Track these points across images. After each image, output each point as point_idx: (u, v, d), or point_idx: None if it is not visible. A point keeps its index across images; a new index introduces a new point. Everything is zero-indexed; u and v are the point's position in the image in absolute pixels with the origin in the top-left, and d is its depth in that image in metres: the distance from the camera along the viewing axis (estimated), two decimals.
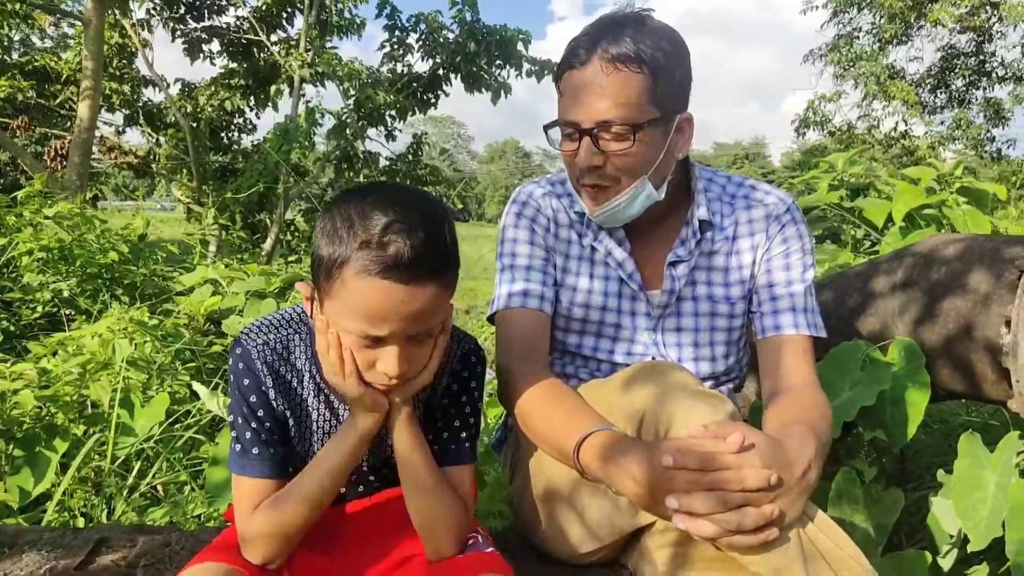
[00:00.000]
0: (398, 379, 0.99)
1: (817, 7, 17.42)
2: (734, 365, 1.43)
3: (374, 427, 1.05)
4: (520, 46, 8.71)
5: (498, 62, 8.80)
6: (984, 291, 1.46)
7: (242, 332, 1.09)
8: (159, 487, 1.87)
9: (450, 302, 1.01)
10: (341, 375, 1.00)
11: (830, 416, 1.19)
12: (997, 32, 16.17)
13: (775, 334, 1.32)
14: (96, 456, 1.84)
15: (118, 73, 9.47)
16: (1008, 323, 1.38)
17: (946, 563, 1.42)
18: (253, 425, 1.06)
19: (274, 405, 1.07)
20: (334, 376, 1.01)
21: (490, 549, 1.10)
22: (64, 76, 9.46)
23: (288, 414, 1.09)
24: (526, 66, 8.80)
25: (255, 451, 1.05)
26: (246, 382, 1.06)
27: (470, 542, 1.11)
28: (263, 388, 1.06)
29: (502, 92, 8.93)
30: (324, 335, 0.99)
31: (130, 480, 1.80)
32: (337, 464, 1.05)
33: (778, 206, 1.37)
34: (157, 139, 9.90)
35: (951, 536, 1.41)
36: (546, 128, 1.30)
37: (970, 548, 1.26)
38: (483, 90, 8.95)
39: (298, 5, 9.23)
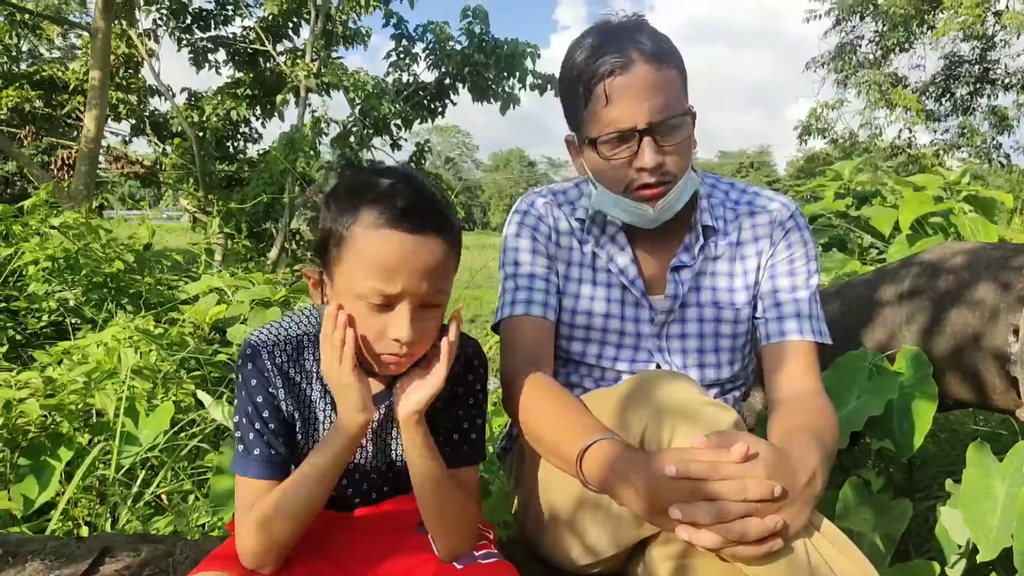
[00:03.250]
0: (408, 348, 0.99)
1: (820, 15, 17.47)
2: (739, 372, 1.42)
3: (359, 431, 1.02)
4: (528, 61, 8.77)
5: (504, 74, 8.85)
6: (992, 300, 1.45)
7: (253, 333, 1.09)
8: (163, 496, 1.87)
9: (453, 277, 1.03)
10: (338, 358, 0.99)
11: (836, 423, 1.18)
12: (1000, 40, 16.16)
13: (779, 340, 1.32)
14: (101, 465, 1.84)
15: (125, 83, 9.55)
16: (1016, 332, 1.37)
17: (955, 573, 1.40)
18: (257, 426, 1.06)
19: (282, 407, 1.08)
20: (330, 362, 1.00)
21: (500, 559, 1.09)
22: (71, 86, 9.55)
23: (296, 415, 1.10)
24: (531, 80, 8.85)
25: (256, 451, 1.05)
26: (253, 382, 1.06)
27: (482, 551, 1.10)
28: (271, 389, 1.07)
29: (511, 103, 9.00)
30: (332, 319, 0.99)
31: (134, 489, 1.80)
32: (323, 469, 1.03)
33: (782, 212, 1.37)
34: (163, 148, 9.95)
35: (960, 546, 1.40)
36: (592, 141, 1.24)
37: (979, 558, 1.25)
38: (491, 100, 9.02)
39: (304, 15, 9.28)
